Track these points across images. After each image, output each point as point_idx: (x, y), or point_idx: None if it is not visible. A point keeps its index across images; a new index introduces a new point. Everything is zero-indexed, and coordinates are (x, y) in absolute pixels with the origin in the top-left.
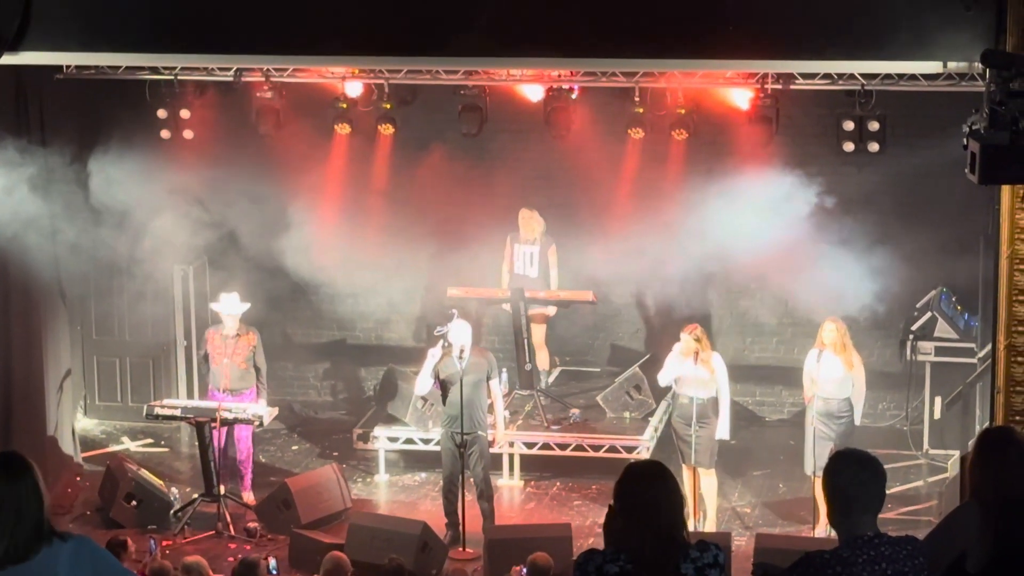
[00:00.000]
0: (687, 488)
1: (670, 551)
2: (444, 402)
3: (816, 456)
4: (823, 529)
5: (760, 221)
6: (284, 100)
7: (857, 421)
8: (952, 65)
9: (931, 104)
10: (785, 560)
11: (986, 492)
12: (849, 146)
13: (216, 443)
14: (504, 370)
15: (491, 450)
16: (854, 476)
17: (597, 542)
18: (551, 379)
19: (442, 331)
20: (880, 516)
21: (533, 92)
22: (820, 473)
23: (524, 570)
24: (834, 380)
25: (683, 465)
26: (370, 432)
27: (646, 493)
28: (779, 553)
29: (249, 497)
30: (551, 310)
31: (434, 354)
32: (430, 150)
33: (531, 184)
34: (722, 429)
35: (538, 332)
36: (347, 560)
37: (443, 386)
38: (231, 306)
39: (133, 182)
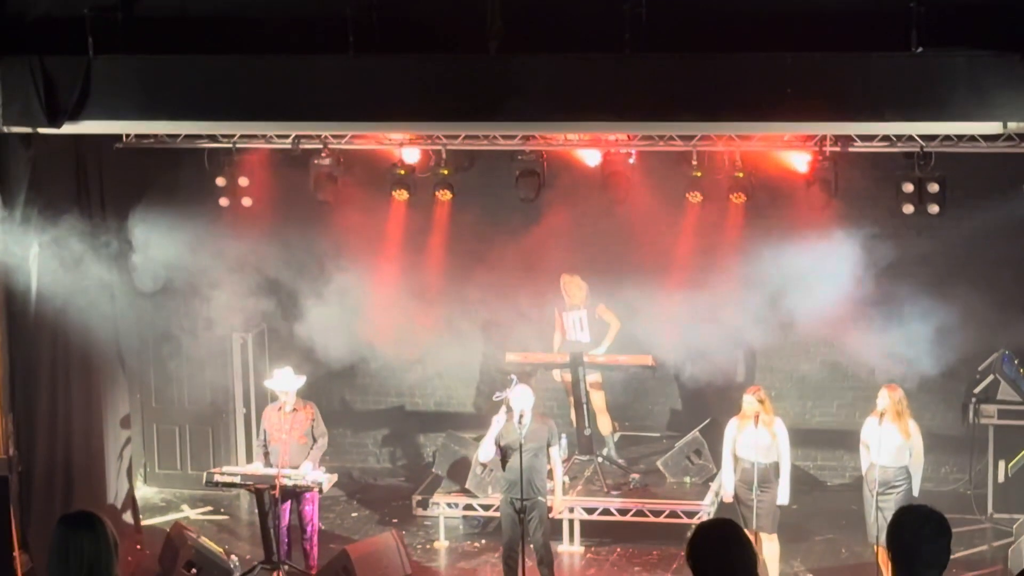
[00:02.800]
0: None
1: None
2: (504, 468)
3: (878, 527)
4: None
5: (820, 284)
6: (342, 167)
7: (916, 492)
8: (1012, 126)
9: (991, 165)
10: None
11: None
12: (908, 208)
13: (283, 519)
14: (564, 435)
15: (551, 516)
16: (918, 530)
17: None
18: (615, 441)
19: (501, 396)
20: None
21: (591, 157)
22: (881, 541)
23: None
24: (891, 448)
25: (745, 530)
26: (429, 499)
27: (723, 553)
28: None
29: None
30: (597, 375)
31: (499, 420)
32: (488, 216)
33: (588, 249)
34: (783, 494)
35: (597, 397)
36: None
37: (503, 452)
38: (286, 382)
39: (192, 250)
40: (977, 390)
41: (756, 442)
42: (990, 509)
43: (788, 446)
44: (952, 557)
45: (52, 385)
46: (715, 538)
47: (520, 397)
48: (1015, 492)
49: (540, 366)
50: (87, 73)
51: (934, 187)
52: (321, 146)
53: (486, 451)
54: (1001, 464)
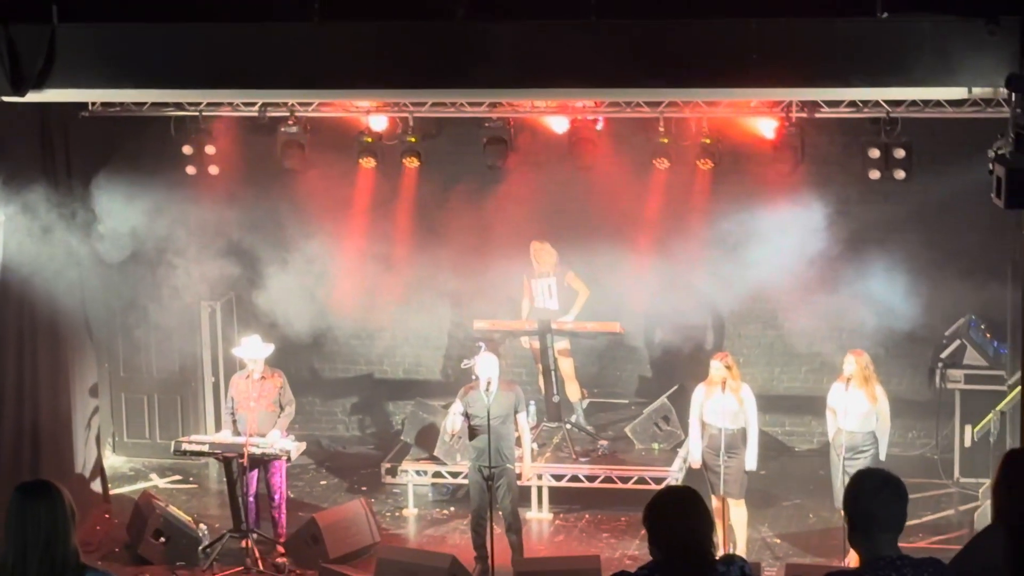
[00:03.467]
0: (716, 519)
1: (701, 569)
2: (472, 436)
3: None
4: (853, 560)
5: (787, 250)
6: (309, 135)
7: (882, 456)
8: (977, 91)
9: (957, 131)
10: None
11: (1011, 514)
12: (875, 174)
13: (251, 487)
14: (532, 402)
15: (519, 483)
16: (875, 494)
17: None
18: (584, 407)
19: (469, 364)
20: (911, 545)
21: (558, 124)
22: None
23: None
24: (858, 414)
25: (712, 496)
26: (398, 466)
27: (676, 513)
28: None
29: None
30: (565, 342)
31: (458, 409)
32: (455, 183)
33: (555, 216)
34: (750, 460)
35: (566, 364)
36: None
37: (471, 420)
38: (254, 350)
39: (158, 219)
40: (944, 355)
41: (723, 408)
42: (956, 473)
43: (755, 412)
44: (918, 521)
45: (19, 355)
46: (671, 504)
47: (487, 365)
48: (981, 456)
49: (508, 333)
50: (51, 41)
51: (900, 152)
52: (288, 114)
53: (453, 424)
54: (967, 429)
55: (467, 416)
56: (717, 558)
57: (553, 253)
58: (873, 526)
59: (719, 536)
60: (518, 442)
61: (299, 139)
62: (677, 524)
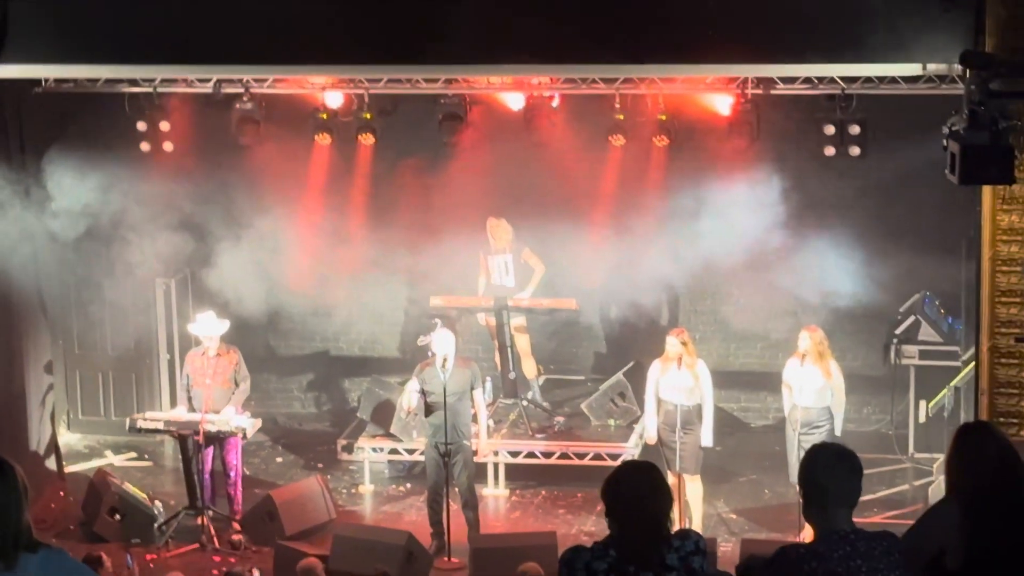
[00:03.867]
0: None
1: (656, 544)
2: (428, 412)
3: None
4: (809, 535)
5: (742, 226)
6: (264, 111)
7: (838, 431)
8: (932, 67)
9: (912, 107)
10: None
11: (964, 488)
12: (830, 150)
13: (206, 464)
14: (489, 379)
15: (475, 459)
16: (830, 469)
17: None
18: (540, 384)
19: (425, 341)
20: (866, 520)
21: (514, 100)
22: None
23: None
24: (812, 390)
25: (668, 472)
26: (354, 443)
27: (636, 487)
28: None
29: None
30: (522, 319)
31: (414, 388)
32: (411, 160)
33: (512, 193)
34: (706, 436)
35: (522, 341)
36: (319, 565)
37: (426, 396)
38: (209, 327)
39: (113, 195)
40: (899, 331)
41: (679, 384)
42: (911, 449)
43: (711, 388)
44: (873, 496)
45: None
46: (631, 478)
47: (443, 341)
48: (935, 432)
49: (465, 310)
50: (3, 16)
51: (855, 129)
52: (243, 90)
53: (409, 401)
54: (922, 404)
55: (423, 393)
56: (672, 533)
57: (509, 230)
58: (827, 500)
59: (675, 513)
60: (474, 419)
61: (254, 115)
62: (636, 498)
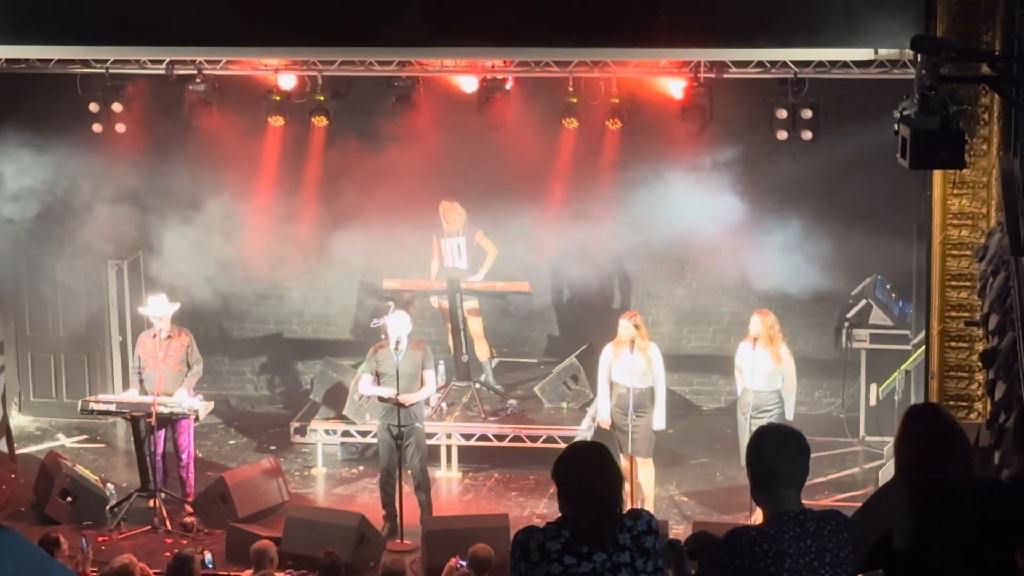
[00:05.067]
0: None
1: (609, 523)
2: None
3: None
4: (759, 517)
5: (694, 210)
6: (217, 93)
7: (789, 415)
8: (883, 52)
9: (864, 92)
10: None
11: (911, 469)
12: (782, 134)
13: (159, 447)
14: (442, 362)
15: (427, 440)
16: (777, 450)
17: None
18: (493, 367)
19: (379, 323)
20: (816, 503)
21: (467, 83)
22: None
23: (461, 561)
24: (764, 373)
25: (620, 455)
26: (307, 426)
27: (586, 467)
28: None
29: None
30: (475, 302)
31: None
32: (364, 142)
33: (465, 175)
34: (658, 419)
35: (475, 323)
36: (273, 548)
37: (379, 378)
38: (159, 308)
39: (65, 177)
40: (850, 315)
41: (632, 367)
42: (862, 432)
43: (663, 371)
44: (824, 479)
45: None
46: (580, 458)
47: (397, 324)
48: (886, 415)
49: (418, 293)
50: None
51: (807, 113)
52: (195, 71)
53: (365, 385)
54: (873, 387)
55: (376, 375)
56: (624, 512)
57: (462, 212)
58: (775, 481)
59: (627, 494)
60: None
61: (207, 97)
62: (586, 478)
